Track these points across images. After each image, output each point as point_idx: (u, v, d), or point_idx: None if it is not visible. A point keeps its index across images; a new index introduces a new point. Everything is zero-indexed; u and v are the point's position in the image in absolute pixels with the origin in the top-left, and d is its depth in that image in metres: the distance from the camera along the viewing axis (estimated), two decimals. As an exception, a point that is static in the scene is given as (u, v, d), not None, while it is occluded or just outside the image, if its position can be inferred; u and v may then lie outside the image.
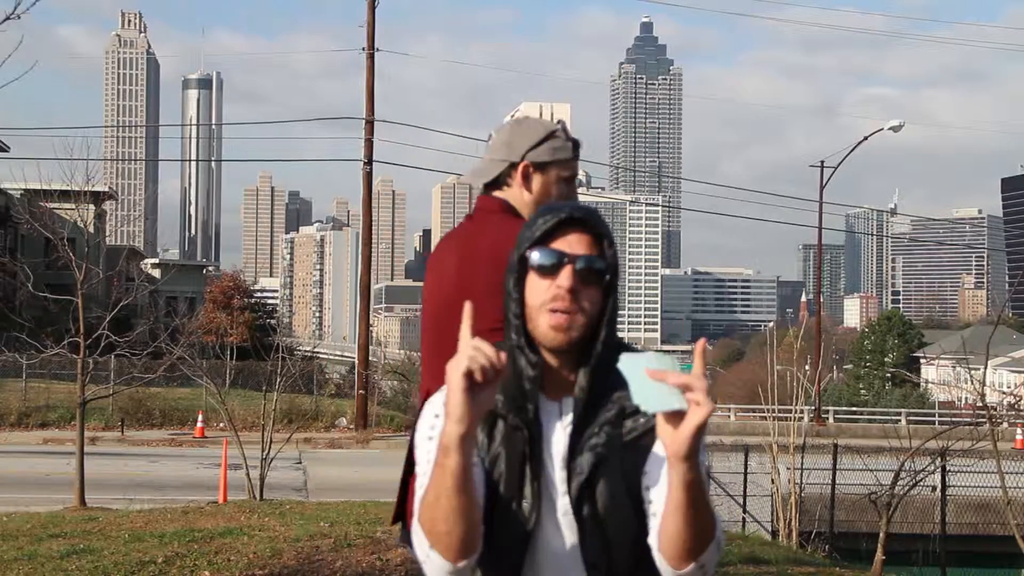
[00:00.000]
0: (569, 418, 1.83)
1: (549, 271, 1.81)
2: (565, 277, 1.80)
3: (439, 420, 1.81)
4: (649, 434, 1.78)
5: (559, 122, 2.76)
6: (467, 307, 1.68)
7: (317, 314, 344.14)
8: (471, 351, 1.62)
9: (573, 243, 1.83)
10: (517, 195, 2.64)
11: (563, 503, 1.80)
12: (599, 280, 1.83)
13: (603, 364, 1.81)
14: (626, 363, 1.66)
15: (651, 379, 1.60)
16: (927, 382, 57.21)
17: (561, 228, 1.84)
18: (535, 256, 1.83)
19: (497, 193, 2.67)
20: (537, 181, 2.63)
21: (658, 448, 1.77)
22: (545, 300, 1.80)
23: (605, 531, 1.79)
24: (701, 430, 1.58)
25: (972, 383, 10.50)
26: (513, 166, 2.63)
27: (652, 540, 1.77)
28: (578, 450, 1.80)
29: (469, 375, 1.60)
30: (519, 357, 1.83)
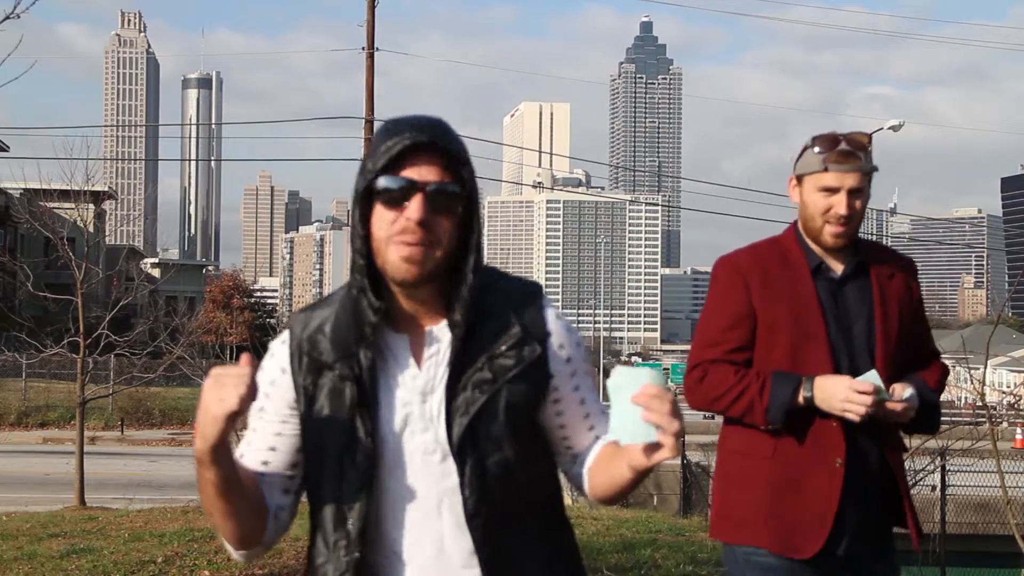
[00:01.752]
0: (434, 349, 1.73)
1: (396, 201, 1.66)
2: (415, 208, 1.65)
3: (274, 388, 1.76)
4: (537, 366, 1.74)
5: None
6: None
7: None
8: (242, 387, 1.55)
9: (423, 169, 1.67)
10: None
11: (422, 440, 1.71)
12: (453, 208, 1.68)
13: (473, 294, 1.70)
14: (616, 379, 1.63)
15: (631, 406, 1.59)
16: (927, 381, 57.17)
17: (409, 152, 1.66)
18: (380, 184, 1.67)
19: None
20: None
21: (575, 399, 1.80)
22: (393, 233, 1.66)
23: (486, 476, 1.69)
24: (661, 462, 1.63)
25: (972, 383, 10.49)
26: None
27: (575, 475, 1.84)
28: (460, 387, 1.70)
29: (235, 415, 1.55)
30: (360, 300, 1.71)
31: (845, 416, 2.70)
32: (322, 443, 1.72)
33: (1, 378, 27.50)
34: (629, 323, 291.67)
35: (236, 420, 1.57)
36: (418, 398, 1.72)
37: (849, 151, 2.78)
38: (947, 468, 14.18)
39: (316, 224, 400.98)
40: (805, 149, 2.88)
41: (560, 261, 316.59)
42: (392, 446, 1.70)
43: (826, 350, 2.77)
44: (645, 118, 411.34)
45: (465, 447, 1.68)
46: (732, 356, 2.85)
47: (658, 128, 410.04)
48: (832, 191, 2.79)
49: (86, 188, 15.40)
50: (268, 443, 1.77)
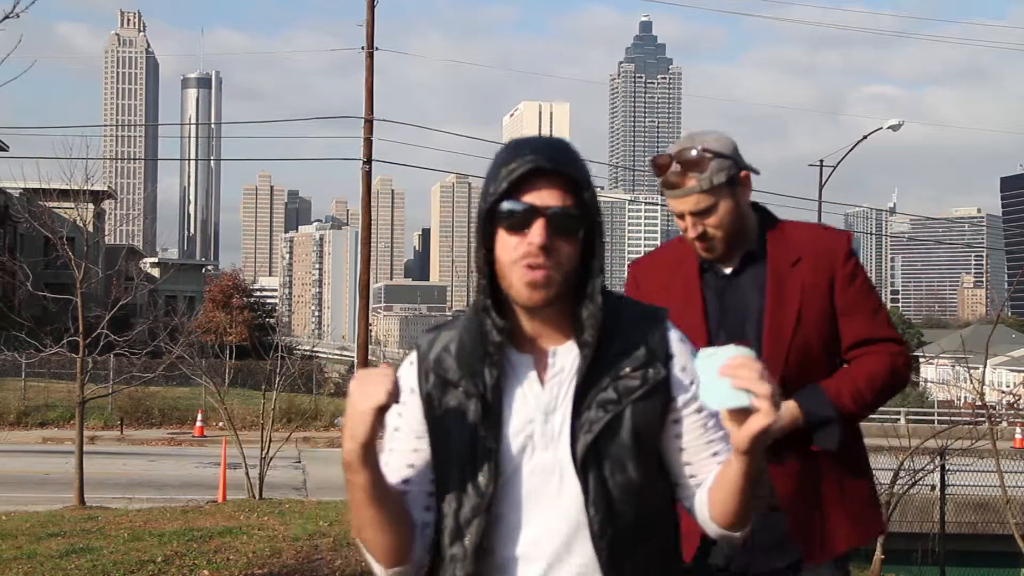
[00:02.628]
0: (557, 369, 1.76)
1: (519, 226, 1.69)
2: (536, 233, 1.68)
3: (405, 408, 1.80)
4: (660, 388, 1.75)
5: None
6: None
7: (316, 313, 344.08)
8: (387, 383, 1.61)
9: (544, 193, 1.69)
10: None
11: (542, 459, 1.74)
12: (575, 231, 1.71)
13: (602, 316, 1.74)
14: (702, 360, 1.65)
15: (719, 377, 1.61)
16: (926, 381, 57.16)
17: (530, 176, 1.69)
18: (503, 209, 1.70)
19: None
20: None
21: (697, 423, 1.78)
22: (516, 257, 1.69)
23: (610, 496, 1.71)
24: (764, 432, 1.60)
25: (971, 382, 10.49)
26: None
27: (698, 504, 1.80)
28: (584, 405, 1.73)
29: (382, 408, 1.61)
30: (484, 320, 1.74)
31: None
32: (446, 459, 1.77)
33: (0, 377, 27.46)
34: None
35: (384, 415, 1.62)
36: (541, 416, 1.74)
37: (679, 173, 2.58)
38: (947, 468, 14.18)
39: (316, 224, 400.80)
40: None
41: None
42: (513, 463, 1.74)
43: None
44: (645, 118, 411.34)
45: (588, 465, 1.71)
46: None
47: (658, 128, 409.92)
48: (680, 216, 2.64)
49: (86, 188, 15.37)
50: (406, 460, 1.79)
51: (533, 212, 1.68)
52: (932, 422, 32.81)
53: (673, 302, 2.54)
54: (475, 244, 1.77)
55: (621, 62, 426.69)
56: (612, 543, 1.71)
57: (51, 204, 17.95)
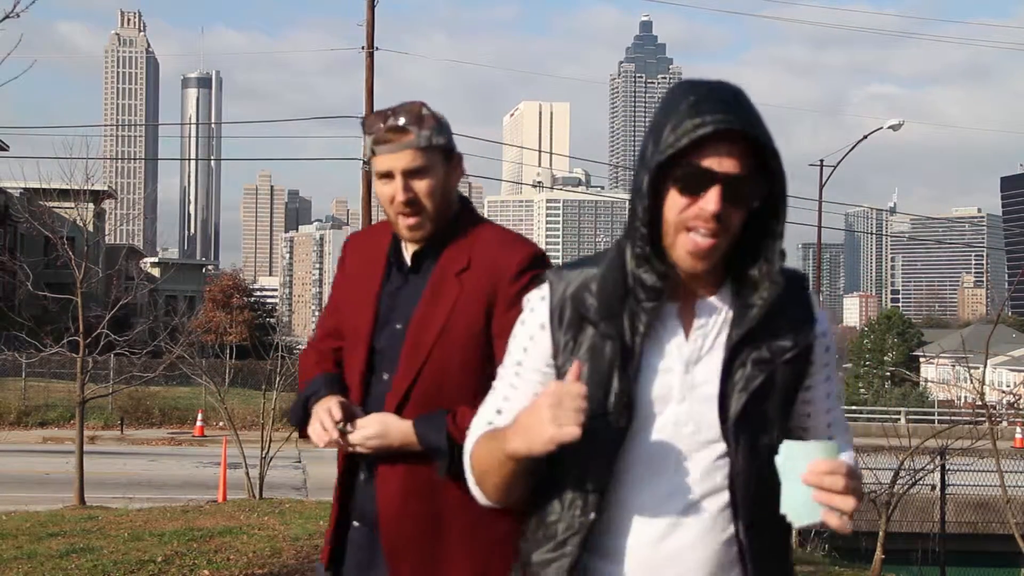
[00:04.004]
0: (703, 320, 1.71)
1: (693, 189, 1.61)
2: (711, 200, 1.60)
3: (532, 343, 1.76)
4: (806, 352, 1.73)
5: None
6: (574, 367, 1.61)
7: (316, 313, 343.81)
8: (581, 416, 1.54)
9: (724, 159, 1.60)
10: None
11: (676, 410, 1.68)
12: (749, 201, 1.64)
13: (776, 279, 1.69)
14: (785, 454, 1.58)
15: (801, 485, 1.54)
16: (926, 381, 57.19)
17: (712, 137, 1.59)
18: (677, 172, 1.61)
19: None
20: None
21: (823, 393, 1.79)
22: (686, 218, 1.62)
23: (758, 459, 1.66)
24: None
25: (971, 382, 10.50)
26: None
27: None
28: (738, 363, 1.68)
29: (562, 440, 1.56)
30: (641, 265, 1.66)
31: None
32: None
33: (1, 377, 27.46)
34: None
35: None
36: (681, 367, 1.69)
37: (397, 127, 2.32)
38: (947, 467, 14.19)
39: (316, 223, 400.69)
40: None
41: (559, 260, 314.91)
42: (645, 412, 1.68)
43: (363, 351, 2.40)
44: (645, 117, 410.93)
45: (740, 425, 1.66)
46: (325, 343, 2.55)
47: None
48: (388, 176, 2.36)
49: (86, 187, 15.37)
50: (528, 401, 1.71)
51: (711, 178, 1.60)
52: (932, 422, 32.80)
53: (360, 289, 2.44)
54: (638, 189, 1.66)
55: (621, 62, 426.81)
56: (753, 503, 1.67)
57: (51, 204, 17.98)
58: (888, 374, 65.60)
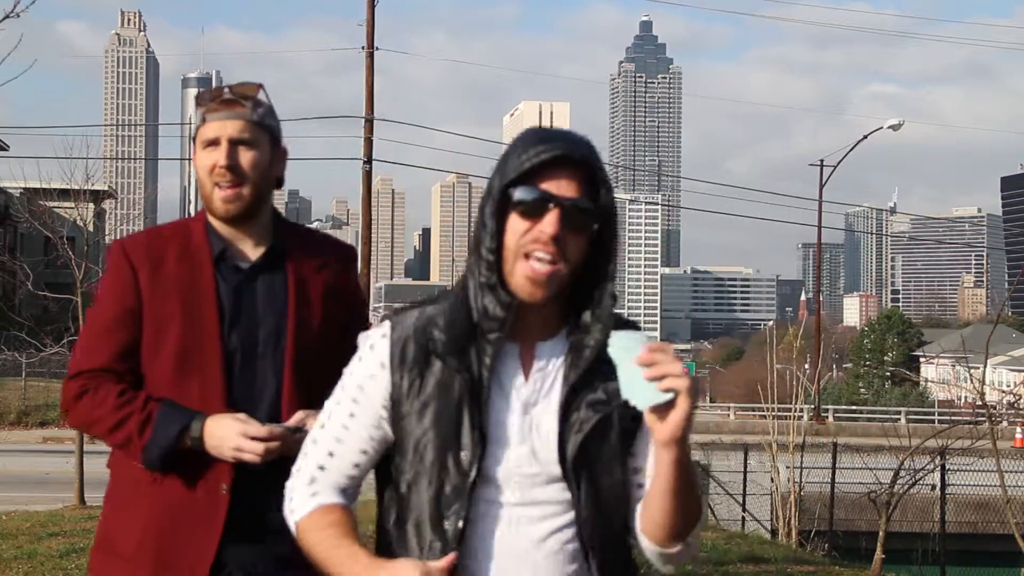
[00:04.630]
0: (543, 363, 1.72)
1: (532, 213, 1.64)
2: (550, 223, 1.63)
3: (371, 381, 1.74)
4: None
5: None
6: None
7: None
8: None
9: (563, 184, 1.65)
10: None
11: (517, 452, 1.68)
12: (588, 226, 1.67)
13: (612, 322, 1.70)
14: (616, 344, 1.60)
15: (637, 369, 1.57)
16: (927, 381, 57.19)
17: (551, 165, 1.64)
18: (518, 194, 1.65)
19: None
20: None
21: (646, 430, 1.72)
22: (524, 243, 1.65)
23: (599, 498, 1.69)
24: (690, 417, 1.56)
25: (971, 382, 10.49)
26: None
27: (637, 519, 1.73)
28: (573, 406, 1.69)
29: None
30: (485, 295, 1.67)
31: (241, 460, 2.28)
32: (426, 435, 1.69)
33: (1, 377, 27.46)
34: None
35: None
36: (519, 408, 1.70)
37: (231, 99, 2.40)
38: (947, 467, 14.18)
39: (316, 223, 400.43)
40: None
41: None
42: (490, 451, 1.68)
43: (217, 356, 2.34)
44: (645, 117, 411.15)
45: (579, 466, 1.67)
46: (116, 365, 2.38)
47: (658, 127, 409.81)
48: (214, 144, 2.38)
49: (86, 187, 15.37)
50: (361, 447, 1.76)
51: (550, 200, 1.64)
52: (932, 422, 32.82)
53: (183, 293, 2.37)
54: (482, 220, 1.69)
55: (621, 62, 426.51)
56: (600, 540, 1.69)
57: (51, 204, 17.98)
58: (888, 374, 65.60)
